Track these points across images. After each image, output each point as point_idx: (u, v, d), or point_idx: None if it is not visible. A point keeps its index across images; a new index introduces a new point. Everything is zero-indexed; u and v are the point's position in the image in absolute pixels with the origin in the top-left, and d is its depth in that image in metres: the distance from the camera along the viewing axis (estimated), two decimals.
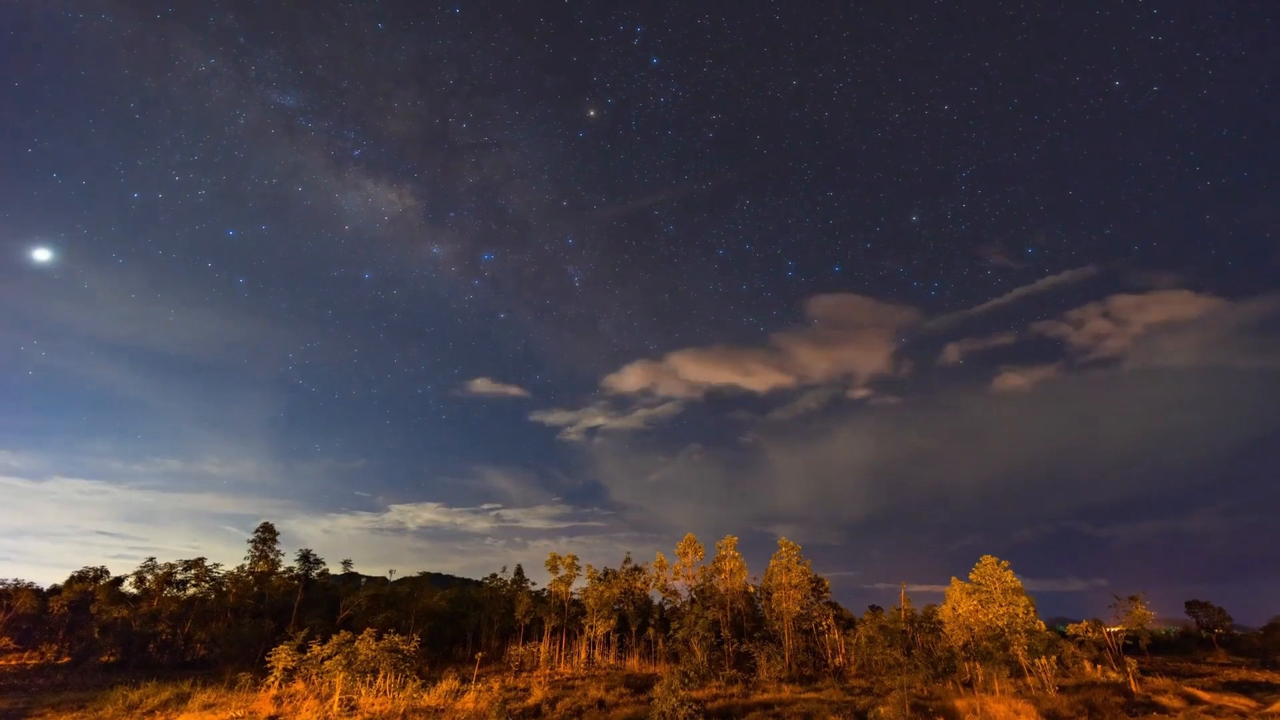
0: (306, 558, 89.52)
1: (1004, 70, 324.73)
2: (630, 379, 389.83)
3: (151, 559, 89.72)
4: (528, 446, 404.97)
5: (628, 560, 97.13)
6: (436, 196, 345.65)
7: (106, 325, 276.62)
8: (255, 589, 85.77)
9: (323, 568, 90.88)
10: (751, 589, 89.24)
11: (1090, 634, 77.05)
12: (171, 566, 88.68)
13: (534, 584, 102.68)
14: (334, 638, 53.49)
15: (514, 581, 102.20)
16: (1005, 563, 76.18)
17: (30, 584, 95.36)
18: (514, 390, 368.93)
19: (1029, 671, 60.09)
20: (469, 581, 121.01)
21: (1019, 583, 75.38)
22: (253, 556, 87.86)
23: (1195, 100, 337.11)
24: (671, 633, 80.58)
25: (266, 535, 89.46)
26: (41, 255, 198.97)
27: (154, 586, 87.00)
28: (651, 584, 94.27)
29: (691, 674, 55.90)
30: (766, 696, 52.55)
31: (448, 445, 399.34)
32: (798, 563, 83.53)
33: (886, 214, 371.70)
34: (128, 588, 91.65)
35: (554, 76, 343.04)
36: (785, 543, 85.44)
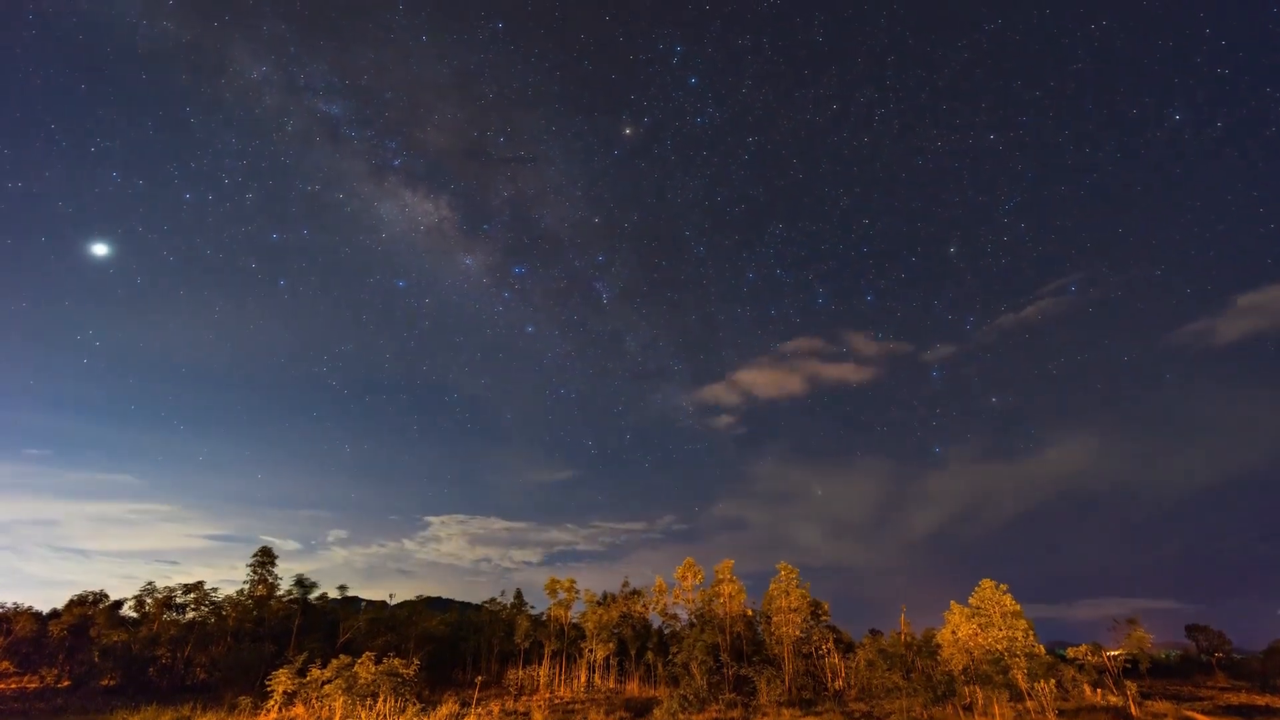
0: (302, 582, 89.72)
1: (1056, 100, 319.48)
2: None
3: (151, 583, 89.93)
4: (549, 460, 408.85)
5: (626, 584, 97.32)
6: (471, 208, 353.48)
7: (155, 319, 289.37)
8: (254, 613, 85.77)
9: (321, 591, 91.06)
10: (750, 613, 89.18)
11: (1090, 658, 76.97)
12: (171, 590, 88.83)
13: (533, 608, 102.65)
14: (334, 661, 53.82)
15: (513, 605, 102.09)
16: (1004, 586, 76.40)
17: (29, 608, 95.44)
18: (538, 404, 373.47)
19: (1029, 695, 60.18)
20: (468, 605, 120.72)
21: (1018, 606, 75.56)
22: (251, 580, 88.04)
23: (1262, 138, 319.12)
24: (671, 656, 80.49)
25: (265, 559, 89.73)
26: (100, 250, 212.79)
27: (154, 610, 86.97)
28: (651, 607, 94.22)
29: (691, 698, 56.09)
30: None
31: (471, 453, 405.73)
32: (796, 586, 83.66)
33: (923, 244, 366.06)
34: (127, 611, 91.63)
35: (592, 93, 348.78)
36: (784, 567, 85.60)
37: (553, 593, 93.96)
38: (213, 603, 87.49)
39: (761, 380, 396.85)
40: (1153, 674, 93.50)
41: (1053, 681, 60.51)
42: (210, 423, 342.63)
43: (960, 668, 70.43)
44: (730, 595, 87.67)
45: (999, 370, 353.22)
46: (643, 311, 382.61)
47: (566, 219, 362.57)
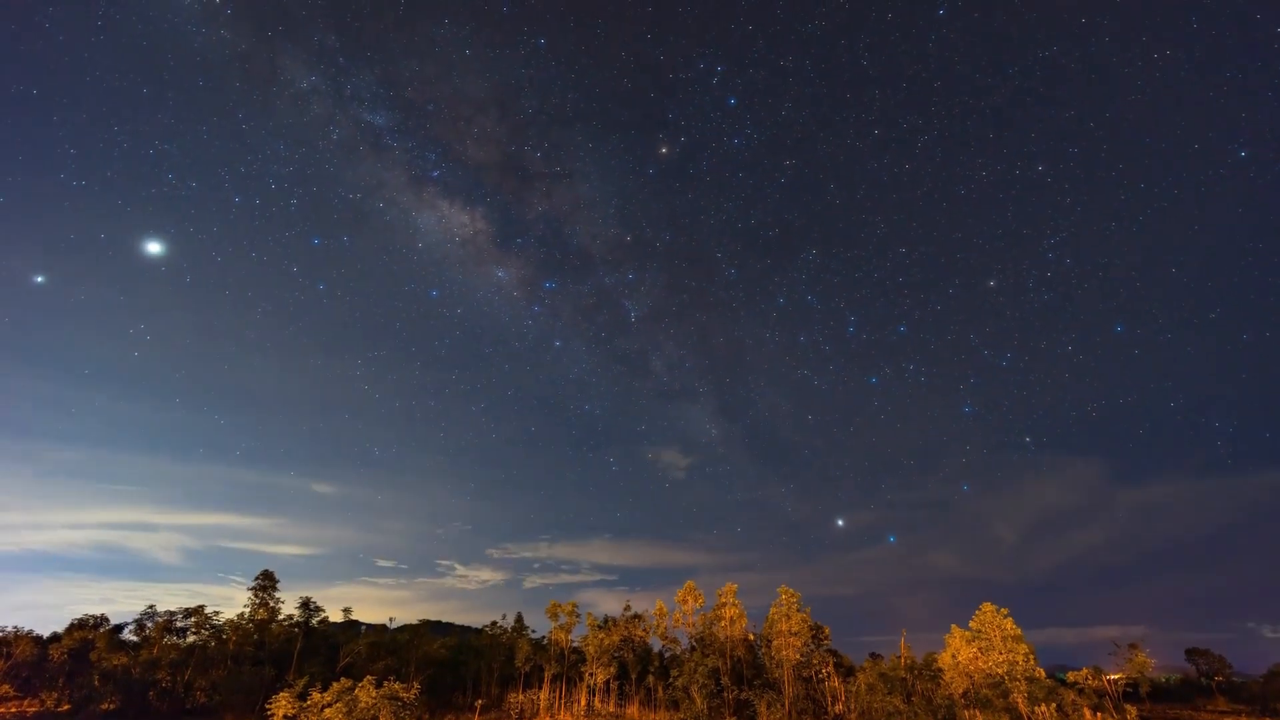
0: (307, 605, 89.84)
1: (1111, 132, 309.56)
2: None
3: (152, 606, 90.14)
4: (571, 475, 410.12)
5: (628, 608, 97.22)
6: (506, 221, 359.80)
7: (202, 317, 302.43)
8: (255, 636, 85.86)
9: (322, 615, 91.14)
10: (751, 636, 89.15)
11: (1090, 681, 76.87)
12: (171, 614, 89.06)
13: (533, 631, 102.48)
14: (334, 685, 54.14)
15: (514, 629, 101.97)
16: (1004, 610, 76.61)
17: (30, 631, 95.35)
18: (562, 418, 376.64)
19: (1029, 719, 60.25)
20: (468, 629, 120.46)
21: (1019, 630, 75.69)
22: (252, 604, 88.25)
23: None
24: (671, 680, 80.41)
25: (266, 583, 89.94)
26: (154, 248, 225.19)
27: (154, 634, 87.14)
28: (651, 631, 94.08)
29: None
30: None
31: (495, 462, 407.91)
32: (797, 610, 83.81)
33: (962, 276, 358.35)
34: (128, 635, 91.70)
35: (630, 111, 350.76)
36: (785, 590, 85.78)
37: (554, 616, 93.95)
38: (213, 626, 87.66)
39: (786, 406, 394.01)
40: (1153, 698, 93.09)
41: (1053, 705, 60.58)
42: (248, 418, 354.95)
43: (961, 691, 70.51)
44: (732, 619, 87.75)
45: (1035, 409, 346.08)
46: (670, 332, 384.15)
47: (599, 236, 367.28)
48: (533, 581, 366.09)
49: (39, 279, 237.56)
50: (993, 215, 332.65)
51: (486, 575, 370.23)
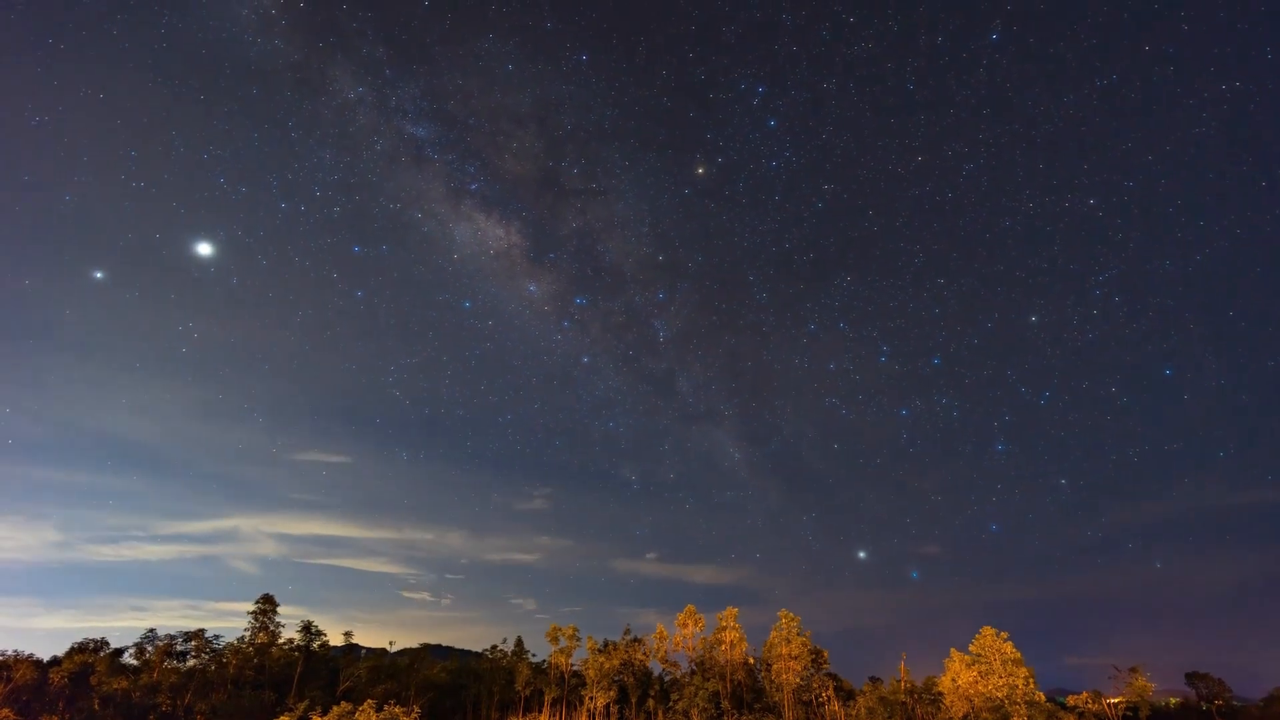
0: (308, 628, 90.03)
1: (1171, 165, 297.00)
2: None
3: (152, 630, 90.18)
4: (592, 491, 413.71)
5: (628, 631, 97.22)
6: (540, 236, 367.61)
7: (246, 317, 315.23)
8: (255, 660, 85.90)
9: (323, 639, 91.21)
10: (751, 660, 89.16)
11: (1090, 705, 76.92)
12: (172, 637, 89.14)
13: (534, 655, 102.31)
14: (334, 709, 54.53)
15: (514, 653, 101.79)
16: (1004, 634, 76.83)
17: (30, 655, 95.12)
18: (585, 434, 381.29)
19: None
20: (468, 653, 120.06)
21: (1019, 654, 75.87)
22: (253, 628, 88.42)
23: None
24: (671, 704, 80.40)
25: (266, 606, 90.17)
26: (204, 249, 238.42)
27: (154, 658, 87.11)
28: (651, 655, 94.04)
29: None
30: None
31: (518, 473, 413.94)
32: (797, 634, 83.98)
33: (1002, 311, 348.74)
34: (128, 659, 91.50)
35: (668, 130, 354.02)
36: (785, 614, 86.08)
37: (554, 640, 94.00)
38: (213, 650, 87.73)
39: (812, 434, 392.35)
40: None
41: None
42: (284, 419, 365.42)
43: (961, 715, 70.59)
44: (732, 643, 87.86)
45: (1072, 451, 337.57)
46: (698, 353, 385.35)
47: (631, 254, 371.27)
48: None
49: (98, 274, 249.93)
50: (1038, 248, 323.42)
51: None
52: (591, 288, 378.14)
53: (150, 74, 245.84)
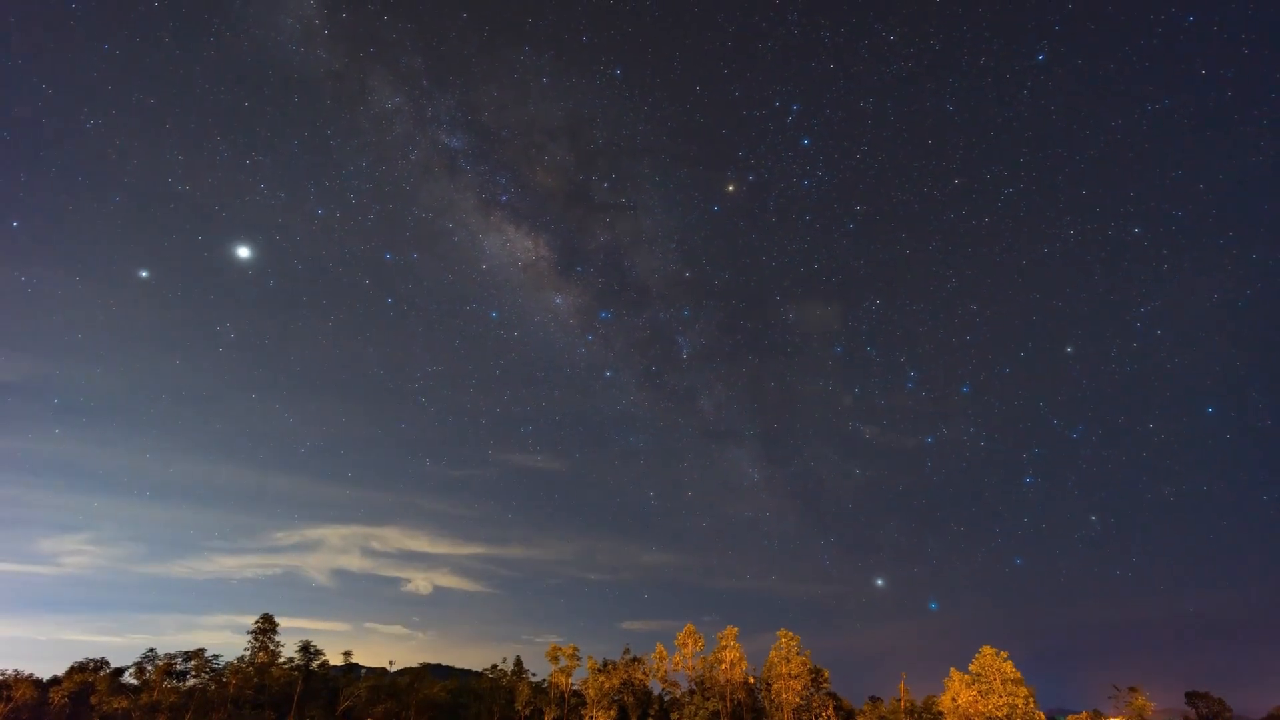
0: (307, 649, 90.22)
1: (1224, 195, 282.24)
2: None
3: (152, 650, 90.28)
4: (610, 506, 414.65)
5: (627, 651, 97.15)
6: (567, 250, 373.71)
7: (281, 320, 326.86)
8: (255, 679, 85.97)
9: (323, 659, 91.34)
10: (751, 680, 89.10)
11: None
12: (172, 657, 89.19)
13: (534, 675, 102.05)
14: None
15: (514, 672, 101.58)
16: (1004, 653, 76.99)
17: (30, 675, 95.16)
18: (605, 449, 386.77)
19: None
20: (469, 672, 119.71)
21: (1019, 674, 75.97)
22: (253, 647, 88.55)
23: None
24: None
25: (266, 626, 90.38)
26: (243, 252, 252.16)
27: (154, 678, 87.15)
28: (651, 675, 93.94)
29: None
30: None
31: (539, 485, 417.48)
32: (797, 653, 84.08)
33: (1036, 340, 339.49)
34: (128, 678, 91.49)
35: (699, 146, 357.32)
36: (785, 634, 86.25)
37: (554, 659, 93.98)
38: (213, 669, 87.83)
39: (834, 457, 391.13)
40: None
41: None
42: (313, 421, 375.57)
43: None
44: (732, 662, 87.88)
45: (1105, 487, 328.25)
46: (721, 372, 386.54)
47: (657, 270, 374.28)
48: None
49: (143, 273, 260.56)
50: (1077, 277, 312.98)
51: None
52: (617, 302, 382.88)
53: (199, 81, 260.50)
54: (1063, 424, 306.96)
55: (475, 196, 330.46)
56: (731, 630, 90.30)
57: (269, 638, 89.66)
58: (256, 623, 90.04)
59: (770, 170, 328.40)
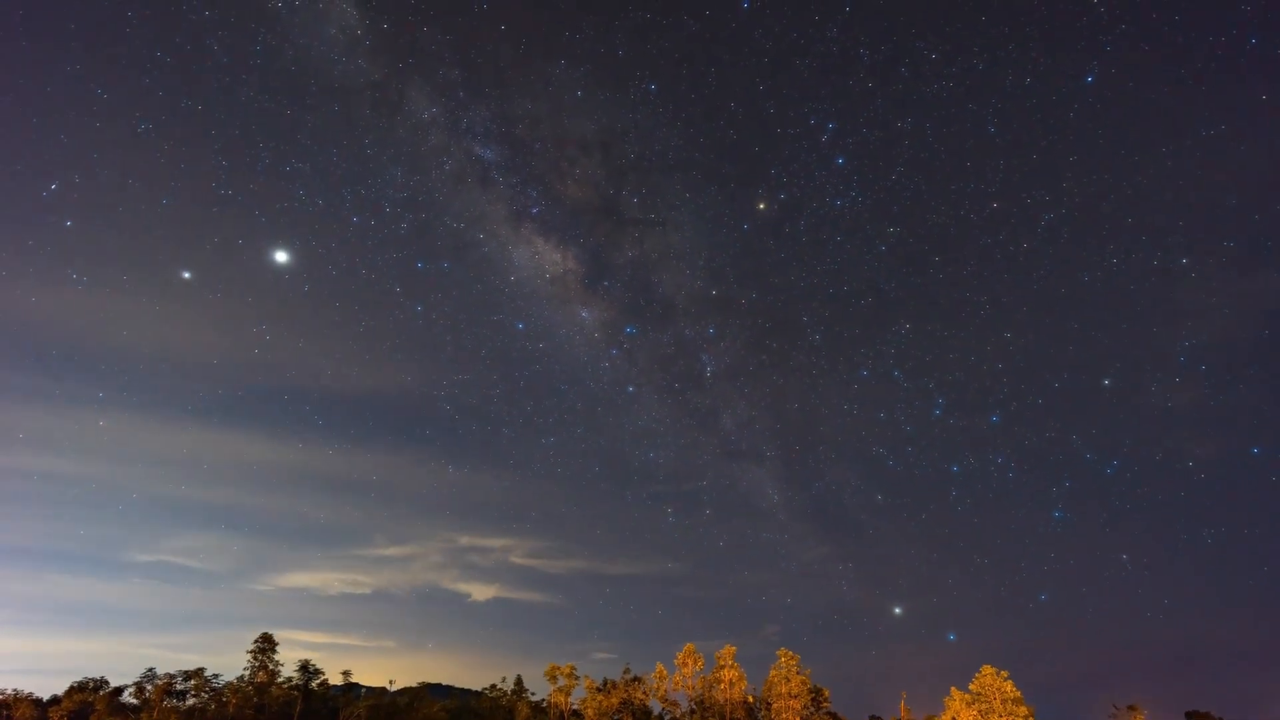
0: (306, 668, 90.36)
1: None
2: None
3: (151, 669, 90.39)
4: (628, 522, 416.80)
5: (627, 670, 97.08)
6: (595, 264, 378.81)
7: (314, 324, 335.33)
8: (255, 699, 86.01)
9: (322, 678, 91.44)
10: (751, 699, 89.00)
11: None
12: (171, 677, 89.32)
13: (533, 694, 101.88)
14: None
15: (513, 691, 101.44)
16: (1005, 673, 77.04)
17: (30, 694, 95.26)
18: (625, 464, 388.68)
19: None
20: (469, 692, 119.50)
21: (1019, 693, 75.96)
22: (252, 666, 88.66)
23: None
24: None
25: (265, 645, 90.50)
26: (281, 257, 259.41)
27: (154, 697, 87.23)
28: (651, 694, 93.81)
29: None
30: None
31: (562, 497, 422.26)
32: (797, 673, 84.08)
33: (1072, 371, 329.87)
34: (128, 698, 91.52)
35: (731, 163, 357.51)
36: (784, 653, 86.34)
37: (553, 678, 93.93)
38: (213, 689, 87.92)
39: (856, 482, 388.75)
40: None
41: None
42: (340, 424, 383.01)
43: None
44: (731, 682, 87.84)
45: (1138, 525, 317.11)
46: (744, 391, 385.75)
47: (684, 287, 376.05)
48: None
49: (186, 274, 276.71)
50: (1119, 307, 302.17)
51: None
52: (642, 318, 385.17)
53: (244, 89, 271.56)
54: (1096, 458, 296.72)
55: (506, 208, 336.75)
56: (730, 649, 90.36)
57: (268, 657, 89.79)
58: (256, 642, 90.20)
59: (802, 189, 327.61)
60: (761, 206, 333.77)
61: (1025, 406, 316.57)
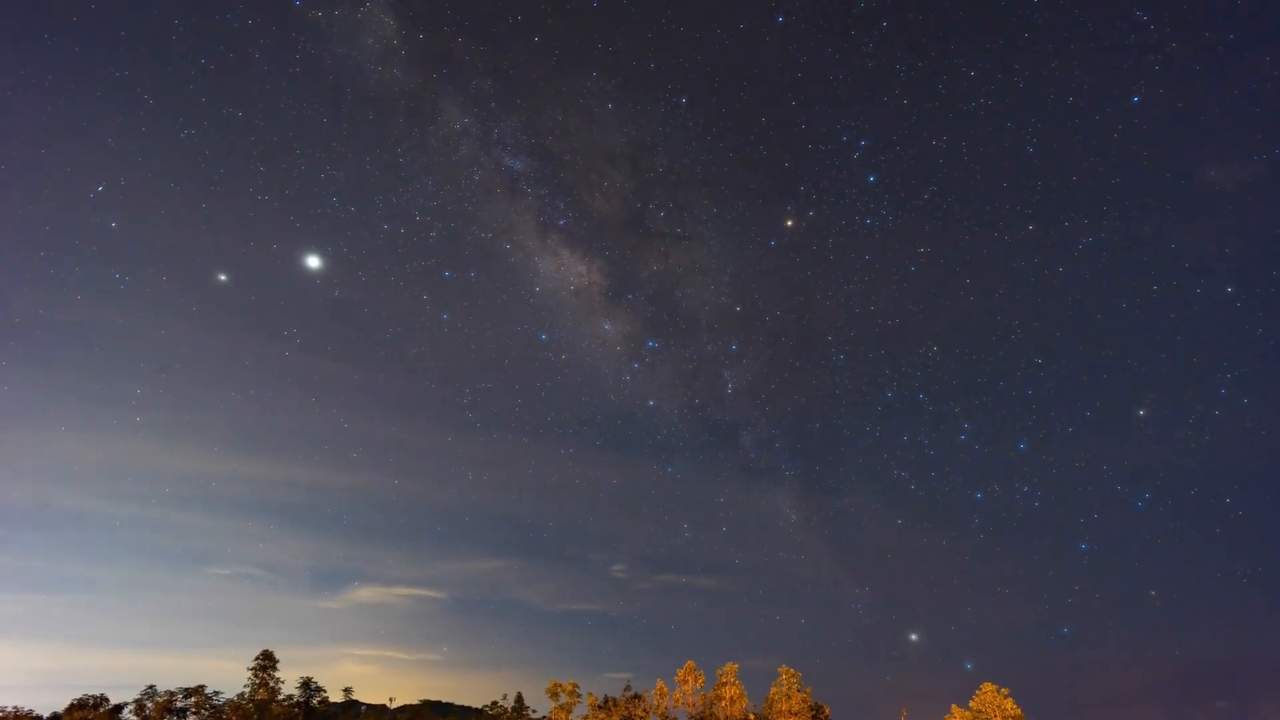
0: (307, 685, 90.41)
1: None
2: None
3: (152, 686, 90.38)
4: (643, 536, 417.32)
5: (628, 688, 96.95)
6: (620, 276, 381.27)
7: (343, 330, 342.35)
8: (255, 716, 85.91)
9: (323, 695, 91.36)
10: (752, 717, 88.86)
11: None
12: (171, 694, 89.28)
13: (534, 711, 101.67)
14: None
15: (514, 709, 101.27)
16: (1005, 690, 77.08)
17: (30, 711, 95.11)
18: (643, 477, 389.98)
19: None
20: (468, 709, 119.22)
21: (1019, 710, 75.95)
22: (252, 683, 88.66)
23: None
24: None
25: (266, 662, 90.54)
26: (313, 262, 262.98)
27: (154, 714, 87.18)
28: (652, 711, 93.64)
29: None
30: None
31: (579, 509, 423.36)
32: (798, 690, 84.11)
33: (1105, 400, 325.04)
34: (128, 715, 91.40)
35: (761, 179, 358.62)
36: (785, 670, 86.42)
37: (554, 695, 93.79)
38: (213, 706, 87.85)
39: (876, 505, 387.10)
40: None
41: None
42: (364, 428, 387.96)
43: None
44: (732, 699, 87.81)
45: (1170, 561, 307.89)
46: (765, 409, 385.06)
47: (708, 302, 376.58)
48: None
49: (222, 277, 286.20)
50: (1158, 336, 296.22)
51: None
52: (665, 332, 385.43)
53: (283, 96, 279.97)
54: (1127, 491, 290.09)
55: (534, 219, 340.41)
56: (732, 667, 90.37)
57: (269, 673, 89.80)
58: (256, 659, 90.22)
59: (832, 207, 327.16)
60: (789, 223, 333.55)
61: (1054, 435, 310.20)
